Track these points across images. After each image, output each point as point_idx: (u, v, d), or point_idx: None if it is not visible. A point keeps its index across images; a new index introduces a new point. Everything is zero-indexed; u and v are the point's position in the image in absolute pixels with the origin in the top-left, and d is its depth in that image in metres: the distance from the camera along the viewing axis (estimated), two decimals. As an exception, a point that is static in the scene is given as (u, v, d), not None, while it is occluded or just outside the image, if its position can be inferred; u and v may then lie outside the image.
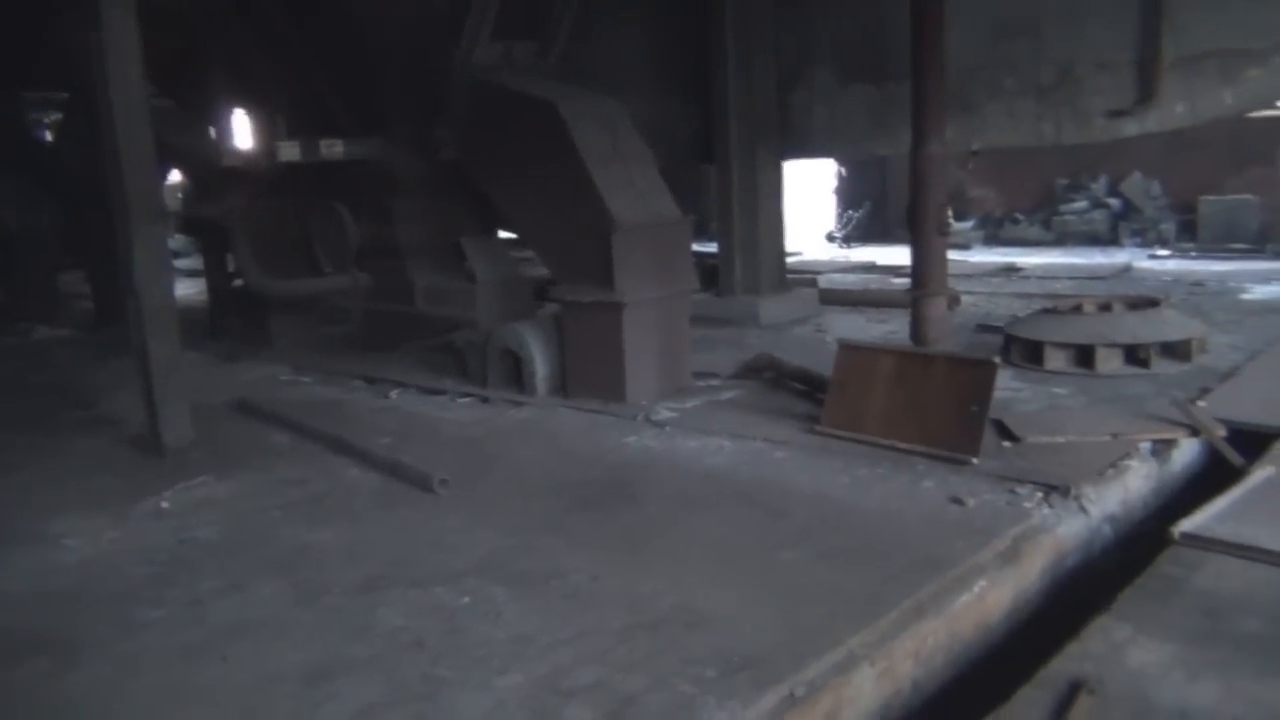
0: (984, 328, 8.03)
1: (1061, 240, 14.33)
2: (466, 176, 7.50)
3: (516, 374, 6.71)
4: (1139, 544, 4.38)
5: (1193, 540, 3.93)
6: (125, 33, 5.36)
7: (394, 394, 7.05)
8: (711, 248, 9.72)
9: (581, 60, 8.21)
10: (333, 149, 7.63)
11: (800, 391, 6.24)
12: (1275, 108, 10.51)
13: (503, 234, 8.69)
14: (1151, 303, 7.06)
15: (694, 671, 3.16)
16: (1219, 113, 7.22)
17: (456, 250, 7.76)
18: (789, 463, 5.14)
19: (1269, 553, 3.76)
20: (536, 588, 3.86)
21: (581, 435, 5.86)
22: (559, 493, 4.91)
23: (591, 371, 6.39)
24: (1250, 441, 4.99)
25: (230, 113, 9.18)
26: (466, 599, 3.79)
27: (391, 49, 7.79)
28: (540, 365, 6.55)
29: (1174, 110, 7.22)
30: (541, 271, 7.61)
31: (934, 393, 5.15)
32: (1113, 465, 4.75)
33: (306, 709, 3.11)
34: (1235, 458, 4.83)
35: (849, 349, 5.65)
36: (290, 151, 7.58)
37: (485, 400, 6.68)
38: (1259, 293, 9.41)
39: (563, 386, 6.58)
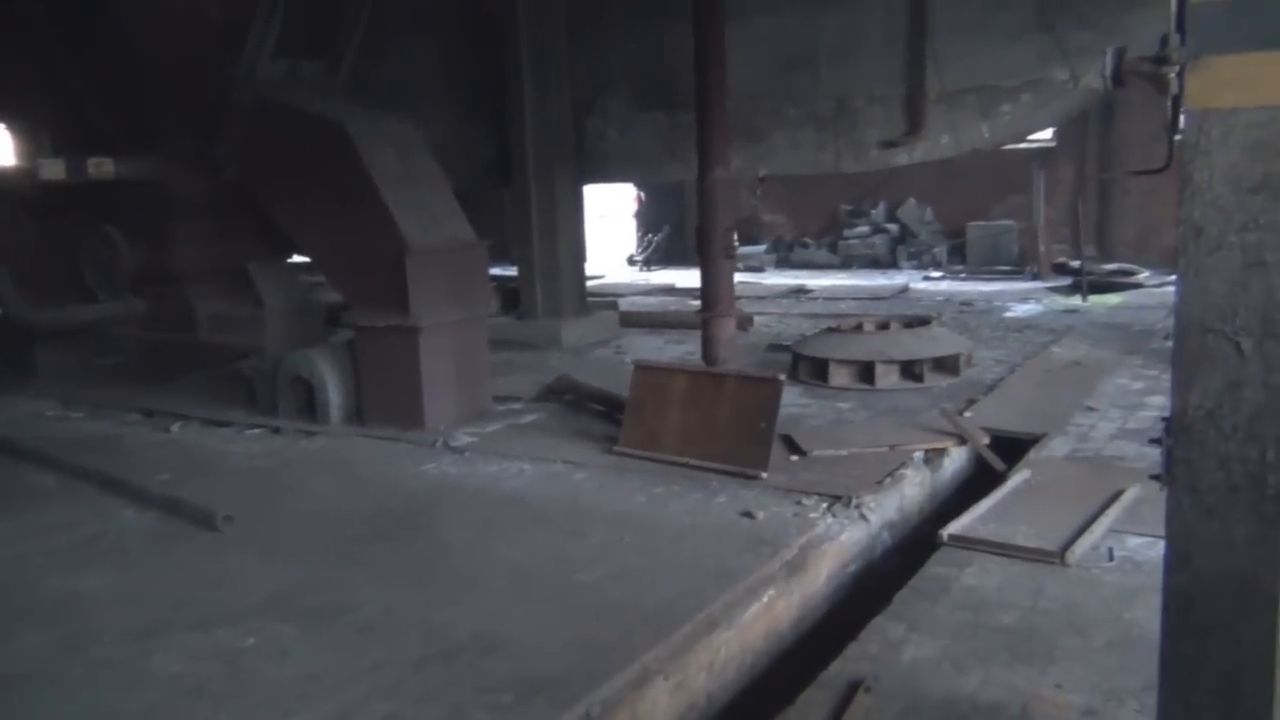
0: (774, 347, 8.37)
1: (846, 263, 15.16)
2: (251, 198, 7.20)
3: (309, 402, 6.47)
4: (914, 547, 4.67)
5: (959, 541, 4.22)
6: None
7: (175, 427, 6.66)
8: (513, 271, 9.72)
9: (374, 81, 8.05)
10: (102, 168, 7.11)
11: (600, 413, 6.31)
12: (1029, 140, 11.52)
13: (296, 257, 8.37)
14: (924, 321, 7.55)
15: (490, 698, 3.13)
16: (978, 144, 7.84)
17: (243, 275, 7.40)
18: (588, 484, 5.19)
19: (1024, 549, 4.09)
20: (327, 624, 3.73)
21: (378, 464, 5.71)
22: (353, 524, 4.76)
23: (388, 398, 6.24)
24: (1011, 447, 5.42)
25: (-15, 127, 8.47)
26: (251, 640, 3.62)
27: (165, 60, 7.30)
28: (334, 393, 6.35)
29: (939, 141, 7.78)
30: (334, 296, 7.38)
31: (725, 411, 5.33)
32: (890, 475, 5.04)
33: (69, 769, 2.89)
34: (997, 463, 5.23)
35: (644, 370, 5.76)
36: (54, 170, 7.03)
37: (276, 431, 6.41)
38: (1019, 310, 10.24)
39: (358, 414, 6.40)
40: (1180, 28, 2.00)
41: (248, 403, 6.85)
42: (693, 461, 5.21)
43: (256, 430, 6.47)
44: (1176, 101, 2.08)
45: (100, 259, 7.70)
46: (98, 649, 3.62)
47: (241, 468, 5.79)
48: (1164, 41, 2.13)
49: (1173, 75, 2.11)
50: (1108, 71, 2.21)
